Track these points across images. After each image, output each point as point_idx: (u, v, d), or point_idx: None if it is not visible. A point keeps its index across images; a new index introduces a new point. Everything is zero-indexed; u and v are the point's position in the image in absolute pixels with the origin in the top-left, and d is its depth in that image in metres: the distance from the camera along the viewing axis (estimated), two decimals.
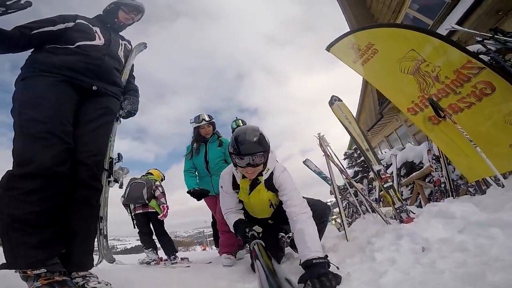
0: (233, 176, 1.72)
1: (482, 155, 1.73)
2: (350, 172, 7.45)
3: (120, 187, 1.71)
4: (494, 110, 1.93)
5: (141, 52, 2.02)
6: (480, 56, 2.06)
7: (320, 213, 1.72)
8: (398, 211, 1.66)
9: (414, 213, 1.66)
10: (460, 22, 3.84)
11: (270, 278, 0.86)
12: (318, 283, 1.17)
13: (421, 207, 3.92)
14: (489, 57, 2.10)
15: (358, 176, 6.76)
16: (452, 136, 2.07)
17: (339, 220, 2.39)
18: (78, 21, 1.59)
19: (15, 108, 1.33)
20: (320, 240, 1.71)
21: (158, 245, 3.67)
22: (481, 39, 2.25)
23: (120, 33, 1.88)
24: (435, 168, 3.00)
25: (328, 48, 2.86)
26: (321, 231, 1.79)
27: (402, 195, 4.59)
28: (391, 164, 4.70)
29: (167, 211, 3.50)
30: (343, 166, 2.56)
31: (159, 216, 3.47)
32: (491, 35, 2.18)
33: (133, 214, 3.59)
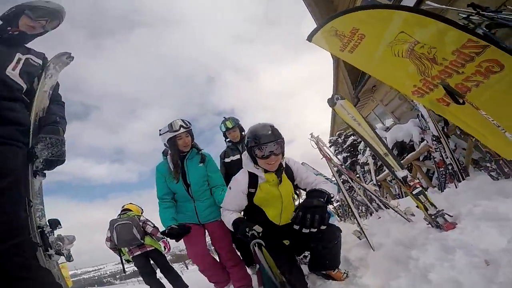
0: (250, 176, 1.68)
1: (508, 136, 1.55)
2: (339, 158, 7.35)
3: (68, 259, 1.29)
4: (506, 87, 1.78)
5: (67, 66, 1.56)
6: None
7: (329, 236, 1.56)
8: (433, 217, 1.44)
9: (451, 216, 1.45)
10: None
11: (271, 278, 0.88)
12: (309, 212, 1.31)
13: (425, 189, 3.86)
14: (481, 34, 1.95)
15: (348, 162, 6.69)
16: (467, 118, 1.91)
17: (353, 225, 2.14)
18: None
19: None
20: (339, 260, 1.68)
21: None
22: (466, 15, 2.10)
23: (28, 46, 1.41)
24: (435, 149, 2.87)
25: (310, 38, 2.58)
26: (335, 254, 1.64)
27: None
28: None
29: (169, 244, 3.41)
30: (343, 165, 2.33)
31: (164, 252, 3.38)
32: (476, 11, 2.04)
33: (131, 256, 3.33)
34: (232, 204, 1.75)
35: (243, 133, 2.76)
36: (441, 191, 2.80)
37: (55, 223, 1.26)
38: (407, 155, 4.10)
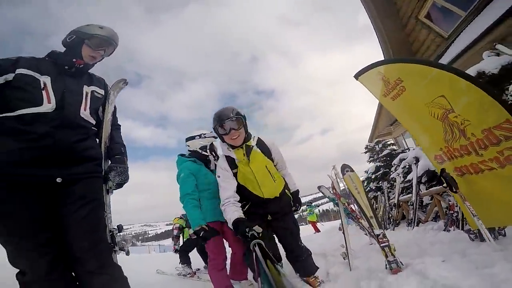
0: (227, 158, 1.92)
1: None
2: (371, 166, 7.35)
3: (127, 254, 1.58)
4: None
5: (122, 90, 1.66)
6: None
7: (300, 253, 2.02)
8: (390, 262, 1.84)
9: (403, 265, 1.82)
10: (505, 17, 3.35)
11: (271, 278, 0.87)
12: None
13: (436, 220, 3.98)
14: None
15: (380, 172, 6.69)
16: (471, 191, 2.10)
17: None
18: (19, 71, 1.22)
19: None
20: (312, 270, 2.07)
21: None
22: None
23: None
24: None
25: (357, 76, 2.75)
26: (306, 266, 2.06)
27: (422, 202, 4.61)
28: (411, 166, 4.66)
29: None
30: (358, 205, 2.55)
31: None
32: None
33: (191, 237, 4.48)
34: (224, 194, 1.85)
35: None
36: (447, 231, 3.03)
37: (120, 228, 1.52)
38: (434, 185, 4.16)
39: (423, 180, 4.81)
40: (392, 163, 5.70)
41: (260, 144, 1.97)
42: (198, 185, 2.18)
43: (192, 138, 2.39)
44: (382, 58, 6.64)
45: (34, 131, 1.17)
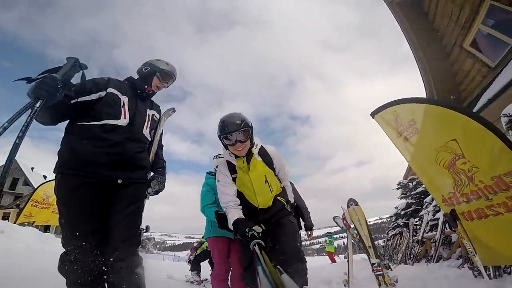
0: (227, 163, 1.89)
1: None
2: (402, 203, 7.10)
3: (146, 252, 1.90)
4: None
5: (170, 116, 1.89)
6: None
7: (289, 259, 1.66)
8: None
9: None
10: None
11: (271, 279, 0.87)
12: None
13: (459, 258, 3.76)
14: None
15: (411, 208, 6.43)
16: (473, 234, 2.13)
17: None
18: (109, 90, 1.51)
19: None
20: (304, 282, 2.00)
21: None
22: None
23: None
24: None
25: (373, 115, 2.83)
26: (299, 276, 1.69)
27: (450, 240, 4.39)
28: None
29: None
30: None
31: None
32: None
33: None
34: (224, 198, 1.84)
35: None
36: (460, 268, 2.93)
37: (147, 228, 1.80)
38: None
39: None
40: (424, 201, 5.47)
41: (262, 152, 1.91)
42: (216, 201, 2.29)
43: (216, 156, 2.64)
44: (423, 89, 6.40)
45: (111, 138, 1.43)
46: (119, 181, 1.44)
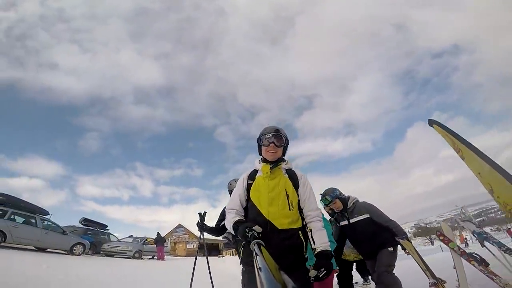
0: (251, 171, 1.88)
1: None
2: None
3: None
4: None
5: None
6: None
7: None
8: None
9: None
10: None
11: (272, 279, 0.86)
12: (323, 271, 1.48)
13: None
14: None
15: None
16: None
17: None
18: None
19: None
20: None
21: None
22: None
23: None
24: None
25: (431, 123, 2.84)
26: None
27: None
28: None
29: None
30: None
31: None
32: None
33: None
34: (234, 200, 1.81)
35: (344, 201, 3.11)
36: None
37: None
38: None
39: None
40: None
41: (291, 173, 1.82)
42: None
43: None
44: None
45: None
46: None
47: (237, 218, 1.69)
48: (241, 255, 1.79)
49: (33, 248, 9.24)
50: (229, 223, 1.71)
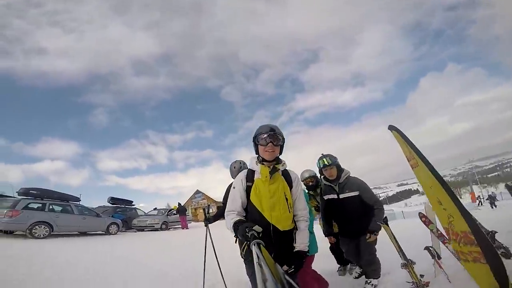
0: (248, 172, 1.91)
1: None
2: None
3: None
4: None
5: None
6: None
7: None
8: None
9: None
10: None
11: (272, 279, 0.86)
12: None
13: None
14: None
15: None
16: None
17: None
18: None
19: None
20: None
21: None
22: None
23: None
24: None
25: (391, 129, 2.71)
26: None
27: None
28: None
29: None
30: None
31: None
32: None
33: None
34: (231, 206, 1.83)
35: (339, 173, 3.01)
36: None
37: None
38: None
39: None
40: None
41: (285, 173, 1.93)
42: None
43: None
44: None
45: None
46: None
47: (237, 219, 1.76)
48: (242, 252, 1.86)
49: (76, 233, 10.22)
50: (229, 224, 1.76)
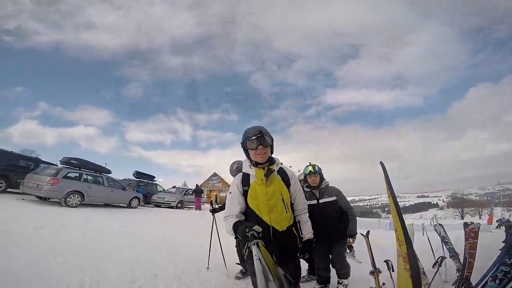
0: (244, 175, 1.91)
1: None
2: None
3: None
4: None
5: None
6: None
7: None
8: None
9: None
10: None
11: (272, 279, 0.86)
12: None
13: None
14: None
15: None
16: None
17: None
18: None
19: None
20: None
21: None
22: None
23: None
24: None
25: (381, 163, 2.77)
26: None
27: None
28: None
29: None
30: None
31: None
32: None
33: None
34: (229, 211, 1.85)
35: (321, 181, 3.26)
36: None
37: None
38: None
39: None
40: None
41: (281, 172, 1.93)
42: None
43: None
44: None
45: None
46: None
47: (236, 220, 1.77)
48: (243, 251, 1.83)
49: (101, 204, 10.68)
50: (229, 227, 1.76)
